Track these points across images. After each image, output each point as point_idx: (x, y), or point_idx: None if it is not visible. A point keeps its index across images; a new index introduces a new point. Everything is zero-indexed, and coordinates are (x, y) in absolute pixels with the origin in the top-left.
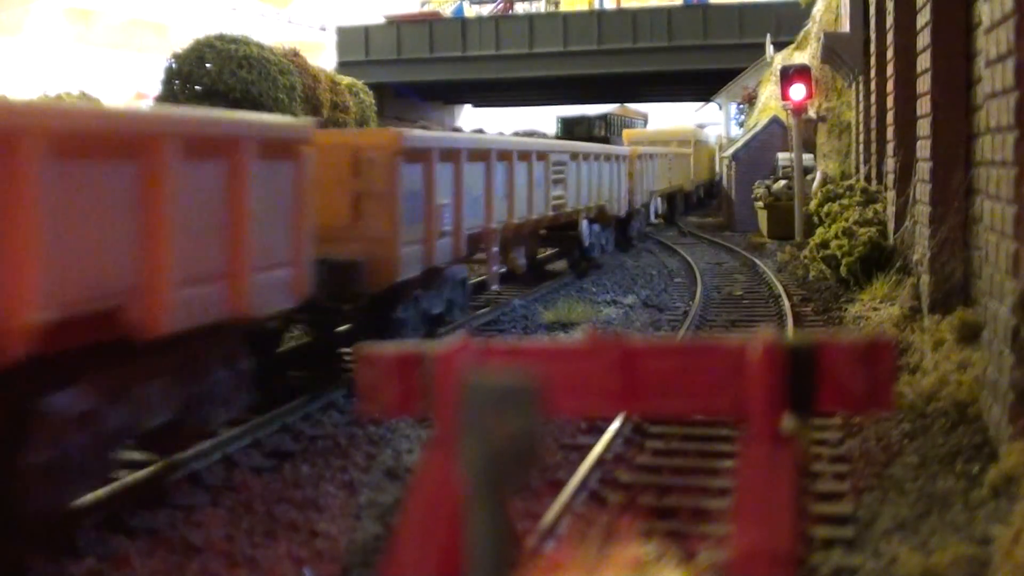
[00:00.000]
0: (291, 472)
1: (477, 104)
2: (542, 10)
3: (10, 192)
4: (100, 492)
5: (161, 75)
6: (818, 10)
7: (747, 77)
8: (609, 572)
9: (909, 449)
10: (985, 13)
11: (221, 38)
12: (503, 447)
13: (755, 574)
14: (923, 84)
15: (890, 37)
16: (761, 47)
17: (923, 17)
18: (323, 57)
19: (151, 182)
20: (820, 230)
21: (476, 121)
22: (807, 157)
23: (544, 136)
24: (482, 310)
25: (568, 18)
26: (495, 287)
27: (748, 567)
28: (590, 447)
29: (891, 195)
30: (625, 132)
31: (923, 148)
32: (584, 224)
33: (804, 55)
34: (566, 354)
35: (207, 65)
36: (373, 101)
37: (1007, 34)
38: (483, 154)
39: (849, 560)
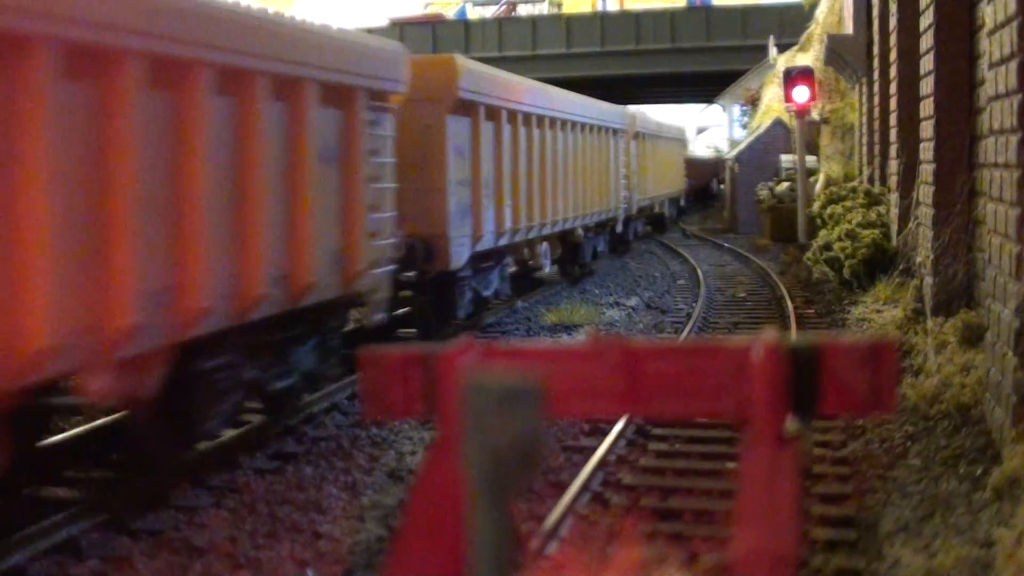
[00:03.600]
0: (294, 474)
1: None
2: (545, 12)
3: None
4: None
5: None
6: (821, 12)
7: (750, 79)
8: (612, 574)
9: (912, 451)
10: (988, 15)
11: None
12: (506, 448)
13: (757, 575)
14: (926, 86)
15: (893, 39)
16: (764, 49)
17: (926, 19)
18: None
19: None
20: (823, 232)
21: None
22: (810, 159)
23: None
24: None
25: (571, 20)
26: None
27: (751, 568)
28: (593, 449)
29: (894, 197)
30: None
31: (926, 150)
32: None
33: (807, 57)
34: (569, 356)
35: None
36: None
37: (1010, 36)
38: None
39: (852, 562)
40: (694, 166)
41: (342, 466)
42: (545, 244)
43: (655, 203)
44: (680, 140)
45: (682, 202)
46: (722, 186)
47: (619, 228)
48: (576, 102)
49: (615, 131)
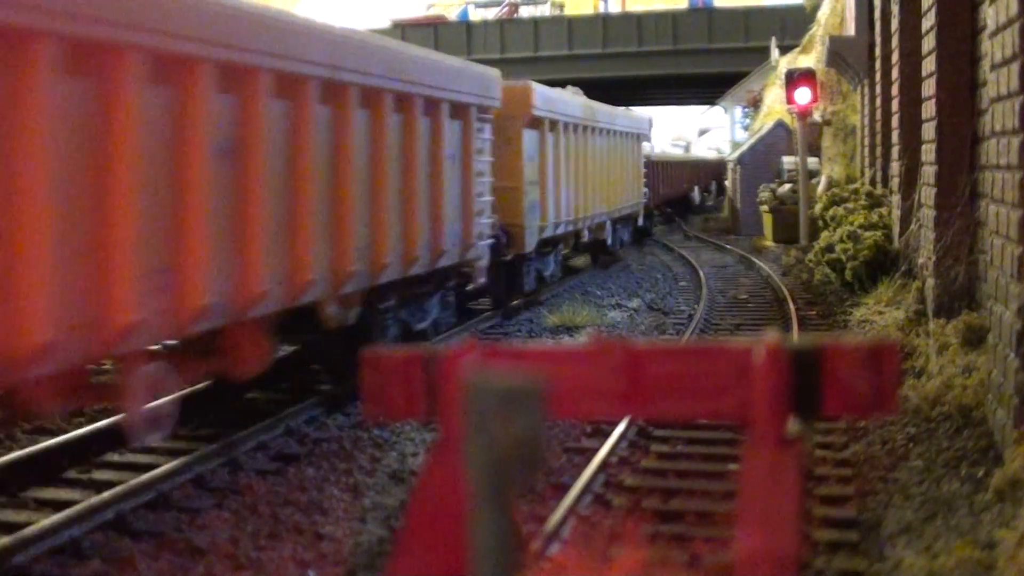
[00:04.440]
0: (296, 475)
1: None
2: (547, 14)
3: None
4: None
5: None
6: (823, 14)
7: (752, 81)
8: (613, 575)
9: (914, 453)
10: (990, 17)
11: None
12: (508, 449)
13: None
14: (928, 88)
15: (895, 40)
16: (766, 51)
17: (928, 20)
18: None
19: None
20: (825, 234)
21: None
22: (812, 161)
23: None
24: (486, 313)
25: (573, 22)
26: None
27: (752, 569)
28: (595, 450)
29: (896, 199)
30: None
31: (928, 152)
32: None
33: (809, 59)
34: (571, 357)
35: None
36: None
37: (1012, 37)
38: None
39: (854, 564)
40: (666, 170)
41: (344, 467)
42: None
43: (586, 226)
44: (637, 134)
45: (640, 221)
46: (707, 194)
47: (481, 279)
48: (278, 25)
49: (460, 109)
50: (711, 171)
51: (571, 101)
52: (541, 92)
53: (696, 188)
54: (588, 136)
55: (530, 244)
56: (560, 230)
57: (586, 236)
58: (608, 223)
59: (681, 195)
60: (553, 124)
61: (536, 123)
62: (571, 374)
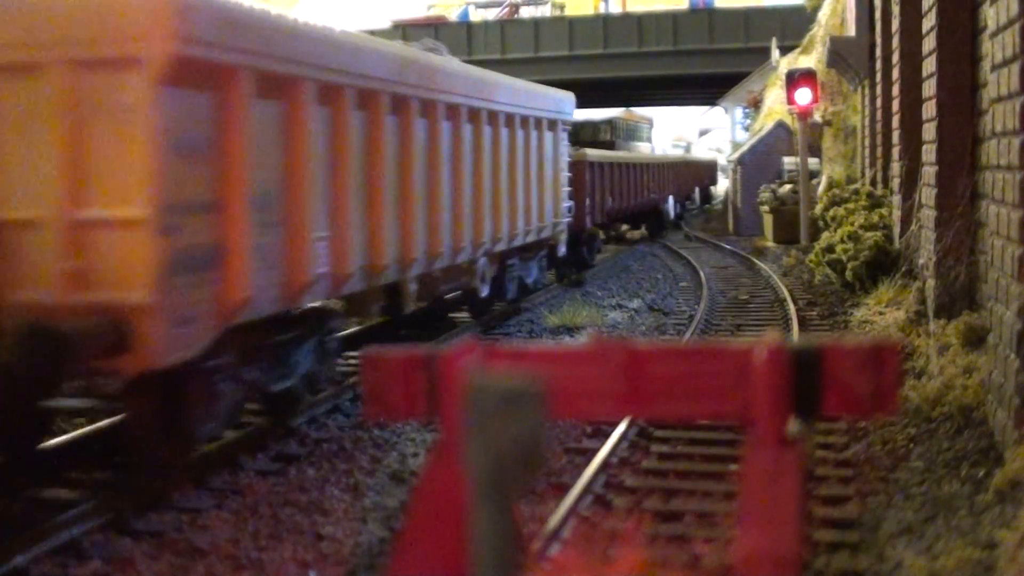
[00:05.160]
0: (296, 475)
1: None
2: (547, 14)
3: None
4: None
5: None
6: (824, 14)
7: (752, 81)
8: (613, 575)
9: (914, 453)
10: (991, 17)
11: None
12: (508, 450)
13: None
14: (929, 88)
15: (896, 41)
16: (767, 51)
17: (929, 21)
18: None
19: None
20: (825, 234)
21: None
22: (812, 161)
23: None
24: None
25: (574, 22)
26: None
27: (753, 570)
28: (595, 451)
29: (897, 199)
30: None
31: (929, 152)
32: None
33: (810, 59)
34: (571, 357)
35: None
36: None
37: (1013, 38)
38: None
39: (854, 564)
40: (619, 175)
41: (344, 468)
42: None
43: (411, 277)
44: (552, 120)
45: (562, 249)
46: (689, 204)
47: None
48: None
49: None
50: (695, 174)
51: (333, 38)
52: (210, 5)
53: (671, 198)
54: (419, 116)
55: (185, 345)
56: (318, 294)
57: (412, 293)
58: (481, 263)
59: (647, 208)
60: (277, 83)
61: (208, 75)
62: (571, 374)
